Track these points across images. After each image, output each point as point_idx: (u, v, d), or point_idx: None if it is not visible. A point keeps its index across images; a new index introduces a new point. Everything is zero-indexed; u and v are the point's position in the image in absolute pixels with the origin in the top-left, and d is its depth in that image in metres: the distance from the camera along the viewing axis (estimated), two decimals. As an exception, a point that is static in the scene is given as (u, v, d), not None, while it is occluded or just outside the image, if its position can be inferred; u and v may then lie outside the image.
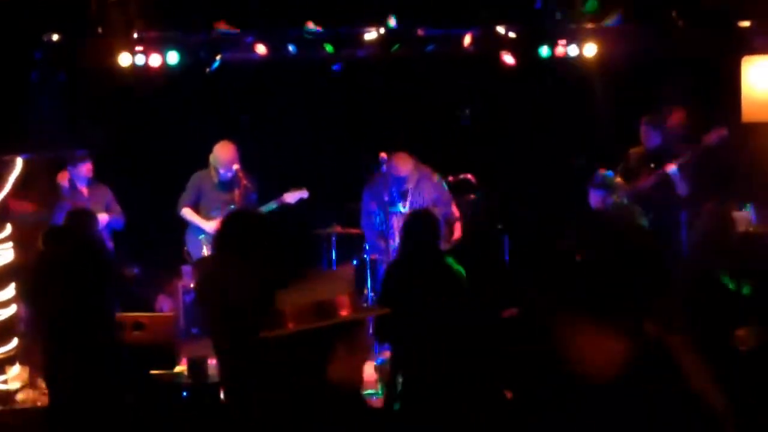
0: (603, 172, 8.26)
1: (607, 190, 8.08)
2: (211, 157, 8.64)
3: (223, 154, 8.58)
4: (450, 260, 5.95)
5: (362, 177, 8.82)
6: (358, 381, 3.17)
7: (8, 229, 7.53)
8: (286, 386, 3.12)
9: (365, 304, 3.12)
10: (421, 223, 6.09)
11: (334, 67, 9.85)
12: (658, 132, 8.93)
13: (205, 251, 8.55)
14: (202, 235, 8.59)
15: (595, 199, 8.10)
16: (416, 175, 8.48)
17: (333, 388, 3.05)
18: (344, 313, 3.06)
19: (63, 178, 8.78)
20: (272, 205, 8.63)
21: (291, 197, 8.66)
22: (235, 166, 8.51)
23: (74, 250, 5.89)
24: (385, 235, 8.54)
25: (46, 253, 5.97)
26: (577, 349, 2.78)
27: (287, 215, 8.79)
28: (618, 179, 9.09)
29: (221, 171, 8.57)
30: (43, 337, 5.86)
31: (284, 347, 3.07)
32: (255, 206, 8.50)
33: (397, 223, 8.26)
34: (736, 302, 5.46)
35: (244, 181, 8.47)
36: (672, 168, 8.58)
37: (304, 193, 8.69)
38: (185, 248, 8.82)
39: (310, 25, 9.24)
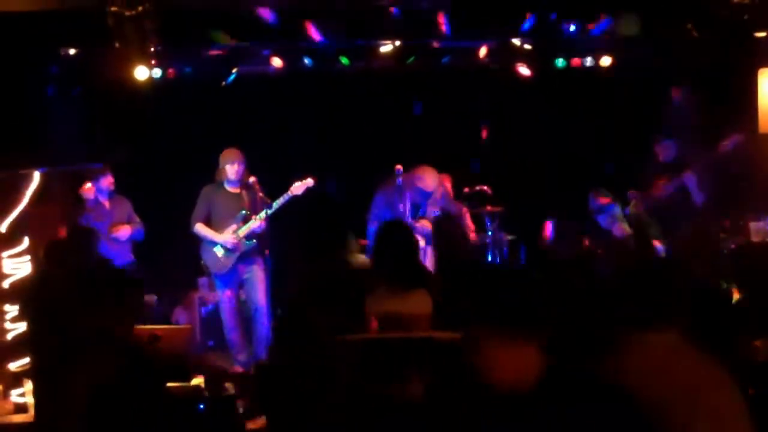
0: (594, 194, 8.30)
1: (606, 212, 8.10)
2: (219, 165, 8.66)
3: (227, 156, 8.61)
4: None
5: (377, 187, 8.83)
6: (424, 397, 3.17)
7: (25, 242, 7.57)
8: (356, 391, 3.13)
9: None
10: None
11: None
12: (674, 145, 8.92)
13: (223, 262, 8.56)
14: (217, 246, 8.60)
15: (603, 222, 8.14)
16: (439, 190, 8.51)
17: (403, 398, 3.06)
18: (423, 330, 3.08)
19: (89, 192, 8.80)
20: (282, 200, 8.64)
21: (298, 189, 8.67)
22: (234, 170, 8.53)
23: (82, 269, 5.91)
24: None
25: (51, 271, 6.00)
26: (493, 361, 2.76)
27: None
28: (632, 191, 9.12)
29: (223, 177, 8.59)
30: (45, 356, 5.87)
31: (361, 351, 3.08)
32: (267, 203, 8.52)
33: None
34: (739, 312, 5.41)
35: (261, 194, 8.49)
36: (689, 175, 8.57)
37: (309, 182, 8.69)
38: (202, 262, 8.83)
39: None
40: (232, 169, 8.55)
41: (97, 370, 5.58)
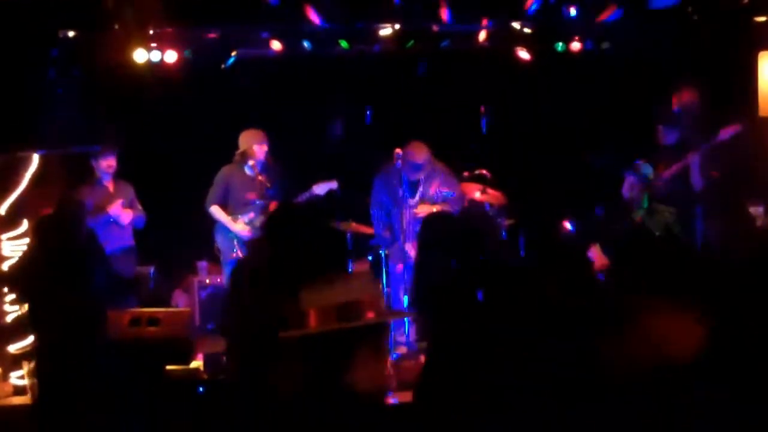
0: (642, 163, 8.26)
1: (638, 176, 8.04)
2: (241, 144, 8.59)
3: (256, 136, 8.56)
4: None
5: (376, 172, 8.83)
6: (380, 382, 3.15)
7: (25, 225, 7.58)
8: (305, 385, 3.11)
9: (386, 307, 3.08)
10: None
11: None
12: (675, 131, 8.90)
13: (237, 251, 8.53)
14: (232, 234, 8.57)
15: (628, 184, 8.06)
16: (429, 167, 8.49)
17: (353, 389, 3.03)
18: (369, 315, 3.04)
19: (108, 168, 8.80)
20: (303, 198, 8.59)
21: (320, 188, 8.61)
22: (265, 148, 8.47)
23: (63, 245, 5.91)
24: (394, 228, 8.55)
25: (34, 247, 6.03)
26: (661, 331, 2.80)
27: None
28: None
29: (254, 155, 8.51)
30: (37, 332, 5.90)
31: (306, 347, 3.05)
32: (285, 194, 8.47)
33: (407, 217, 8.30)
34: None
35: (259, 177, 8.45)
36: (693, 156, 8.56)
37: (333, 184, 8.62)
38: (216, 245, 8.79)
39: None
40: (261, 149, 8.50)
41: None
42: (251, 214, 8.55)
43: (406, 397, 5.88)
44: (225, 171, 8.69)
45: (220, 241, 8.73)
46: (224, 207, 8.65)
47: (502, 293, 5.40)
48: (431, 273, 5.69)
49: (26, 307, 6.54)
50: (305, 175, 9.06)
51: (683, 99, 8.86)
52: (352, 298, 3.05)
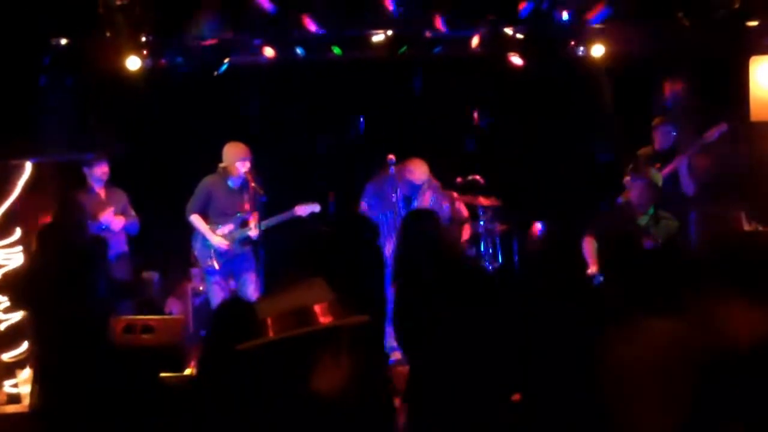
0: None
1: (647, 182, 8.03)
2: (224, 159, 8.60)
3: (238, 151, 8.55)
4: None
5: (368, 178, 8.82)
6: (341, 388, 3.12)
7: (17, 233, 7.57)
8: (267, 395, 3.09)
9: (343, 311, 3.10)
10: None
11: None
12: (673, 132, 8.94)
13: (213, 260, 8.53)
14: (209, 243, 8.57)
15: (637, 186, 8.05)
16: (427, 185, 8.49)
17: (317, 396, 3.01)
18: (324, 320, 3.02)
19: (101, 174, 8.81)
20: (284, 218, 8.58)
21: (302, 210, 8.59)
22: (247, 166, 8.47)
23: (64, 253, 5.89)
24: (382, 232, 8.53)
25: (38, 255, 6.01)
26: (732, 320, 2.86)
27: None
28: (626, 178, 9.11)
29: (236, 172, 8.52)
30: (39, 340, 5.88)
31: (265, 356, 3.03)
32: (263, 212, 8.47)
33: (397, 224, 8.29)
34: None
35: (252, 184, 8.44)
36: (681, 159, 8.58)
37: (315, 207, 8.58)
38: (193, 253, 8.82)
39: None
40: (243, 166, 8.46)
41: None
42: (231, 226, 8.54)
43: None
44: (208, 181, 8.66)
45: (197, 249, 8.74)
46: (204, 217, 8.63)
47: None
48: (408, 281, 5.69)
49: (26, 315, 6.53)
50: (297, 183, 9.07)
51: (675, 88, 8.91)
52: (306, 304, 3.04)
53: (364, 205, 8.68)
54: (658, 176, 8.14)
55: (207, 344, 4.49)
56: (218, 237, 8.52)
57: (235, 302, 5.60)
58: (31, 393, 7.01)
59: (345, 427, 3.09)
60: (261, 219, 8.34)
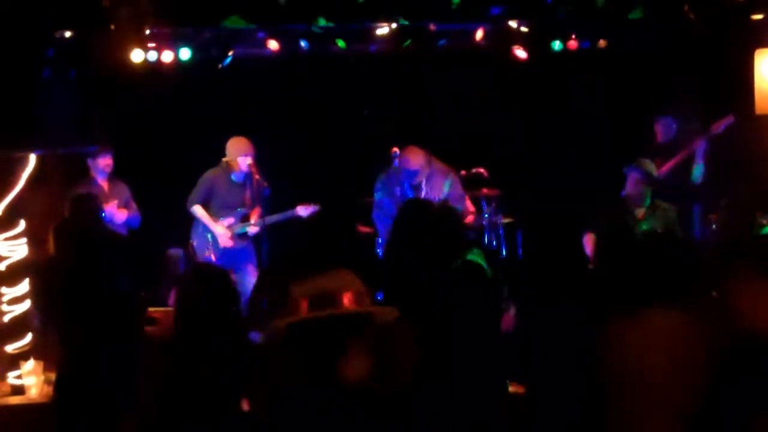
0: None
1: (642, 172, 8.00)
2: (227, 153, 8.62)
3: (240, 146, 8.58)
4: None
5: (374, 172, 8.81)
6: (366, 376, 3.16)
7: (22, 225, 7.57)
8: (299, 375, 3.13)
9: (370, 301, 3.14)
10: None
11: None
12: (674, 125, 8.93)
13: (210, 251, 8.55)
14: (210, 233, 8.59)
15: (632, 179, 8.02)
16: (428, 169, 8.46)
17: (342, 381, 3.05)
18: (350, 307, 3.08)
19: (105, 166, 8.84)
20: (284, 217, 8.60)
21: (304, 210, 8.63)
22: (249, 161, 8.49)
23: (85, 247, 5.87)
24: None
25: (59, 252, 5.97)
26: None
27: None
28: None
29: (238, 167, 8.55)
30: (65, 336, 5.84)
31: (298, 335, 3.09)
32: (266, 208, 8.48)
33: None
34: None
35: (257, 177, 8.45)
36: (700, 142, 8.55)
37: (316, 208, 8.64)
38: (191, 241, 8.82)
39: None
40: (245, 161, 8.51)
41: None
42: (231, 220, 8.57)
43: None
44: (210, 174, 8.74)
45: (196, 240, 8.77)
46: (205, 209, 8.68)
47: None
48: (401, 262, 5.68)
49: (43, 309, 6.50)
50: (300, 176, 9.07)
51: (680, 81, 8.92)
52: (338, 289, 3.10)
53: (375, 215, 8.70)
54: (652, 166, 8.11)
55: (181, 306, 4.55)
56: (220, 227, 8.54)
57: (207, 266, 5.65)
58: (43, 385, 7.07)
59: (368, 415, 3.12)
60: (263, 215, 8.37)
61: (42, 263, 6.81)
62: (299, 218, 8.61)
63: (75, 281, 5.74)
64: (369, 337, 3.16)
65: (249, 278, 8.55)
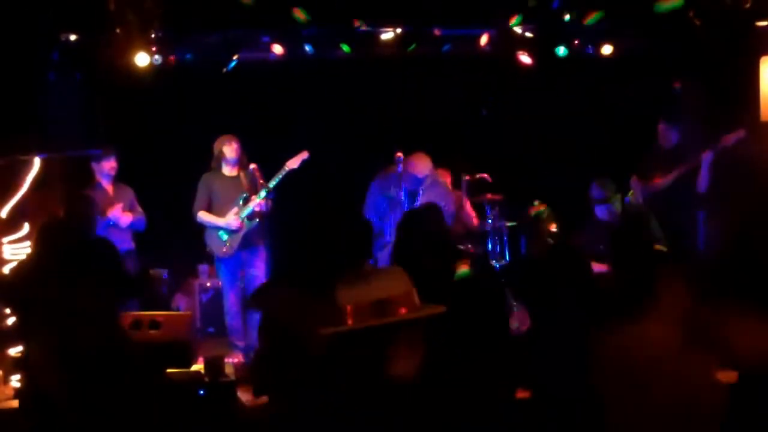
0: (598, 183, 8.18)
1: (609, 201, 8.00)
2: (214, 150, 8.72)
3: (223, 138, 8.75)
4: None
5: (375, 175, 8.82)
6: (415, 377, 3.16)
7: (26, 228, 7.57)
8: (343, 383, 3.10)
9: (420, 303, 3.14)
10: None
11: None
12: (676, 131, 8.92)
13: (227, 246, 8.60)
14: (221, 231, 8.64)
15: (601, 213, 8.04)
16: (431, 179, 8.47)
17: (392, 384, 3.04)
18: (403, 311, 3.05)
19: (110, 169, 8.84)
20: (280, 176, 8.66)
21: (293, 162, 8.71)
22: (234, 146, 8.63)
23: (68, 252, 5.77)
24: (385, 232, 8.52)
25: (39, 254, 5.89)
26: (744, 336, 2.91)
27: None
28: (633, 179, 9.10)
29: (224, 155, 8.69)
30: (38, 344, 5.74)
31: (342, 344, 3.06)
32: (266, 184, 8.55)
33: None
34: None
35: (261, 181, 8.50)
36: (708, 154, 8.55)
37: (304, 155, 8.75)
38: (207, 248, 8.85)
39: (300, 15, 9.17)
40: (230, 148, 8.66)
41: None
42: (235, 209, 8.63)
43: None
44: (205, 178, 8.84)
45: (209, 242, 8.79)
46: (209, 211, 8.76)
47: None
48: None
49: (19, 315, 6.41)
50: (304, 179, 9.07)
51: (685, 87, 8.90)
52: (387, 295, 3.05)
53: (368, 215, 8.65)
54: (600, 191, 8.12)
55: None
56: (227, 218, 8.59)
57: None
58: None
59: (416, 416, 3.11)
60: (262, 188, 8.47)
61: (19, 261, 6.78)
62: (293, 171, 8.70)
63: (50, 282, 5.62)
64: (418, 339, 3.15)
65: (258, 267, 8.74)
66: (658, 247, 7.37)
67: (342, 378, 3.09)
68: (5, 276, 7.02)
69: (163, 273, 9.37)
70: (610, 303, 4.39)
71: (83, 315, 5.49)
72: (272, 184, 8.61)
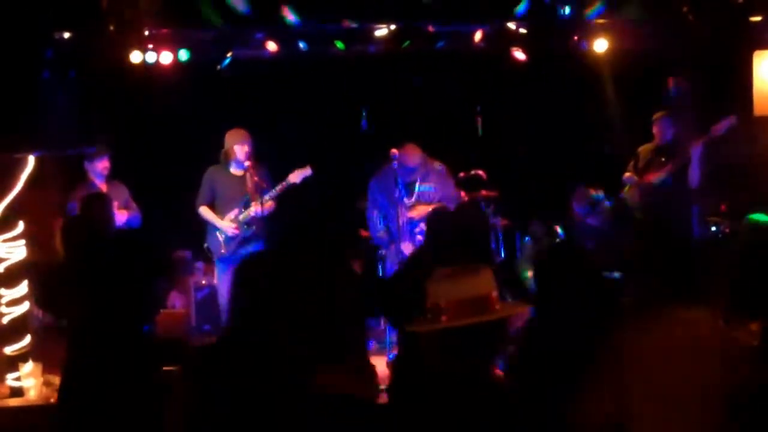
0: (575, 199, 8.16)
1: (593, 209, 8.00)
2: (225, 143, 8.64)
3: (236, 136, 8.62)
4: None
5: (372, 173, 8.81)
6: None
7: (20, 226, 7.57)
8: (440, 379, 3.09)
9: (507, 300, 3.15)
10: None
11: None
12: (670, 126, 8.93)
13: (225, 247, 8.59)
14: (219, 230, 8.64)
15: (593, 222, 8.03)
16: (424, 168, 8.47)
17: (489, 381, 3.04)
18: (497, 308, 3.04)
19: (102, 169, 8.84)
20: (280, 188, 8.62)
21: (296, 177, 8.64)
22: (246, 149, 8.52)
23: (96, 246, 5.77)
24: (391, 229, 8.53)
25: (67, 251, 5.87)
26: None
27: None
28: (627, 174, 9.11)
29: (234, 155, 8.59)
30: (74, 338, 5.72)
31: (437, 341, 3.04)
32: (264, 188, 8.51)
33: (403, 218, 8.28)
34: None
35: (256, 178, 8.48)
36: (696, 147, 8.55)
37: (307, 171, 8.64)
38: (205, 245, 8.84)
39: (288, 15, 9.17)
40: (241, 149, 8.55)
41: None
42: (236, 211, 8.60)
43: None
44: (210, 171, 8.78)
45: (208, 240, 8.78)
46: (212, 207, 8.72)
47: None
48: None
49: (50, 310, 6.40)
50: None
51: (679, 83, 8.90)
52: (484, 292, 3.04)
53: (370, 215, 8.70)
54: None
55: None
56: (226, 221, 8.58)
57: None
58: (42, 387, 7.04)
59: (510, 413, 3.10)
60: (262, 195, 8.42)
61: (47, 263, 6.76)
62: (294, 185, 8.60)
63: (85, 282, 5.62)
64: (507, 337, 3.16)
65: None
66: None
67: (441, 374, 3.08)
68: (42, 289, 6.91)
69: (187, 254, 9.34)
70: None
71: (131, 311, 5.54)
72: (271, 194, 8.57)
